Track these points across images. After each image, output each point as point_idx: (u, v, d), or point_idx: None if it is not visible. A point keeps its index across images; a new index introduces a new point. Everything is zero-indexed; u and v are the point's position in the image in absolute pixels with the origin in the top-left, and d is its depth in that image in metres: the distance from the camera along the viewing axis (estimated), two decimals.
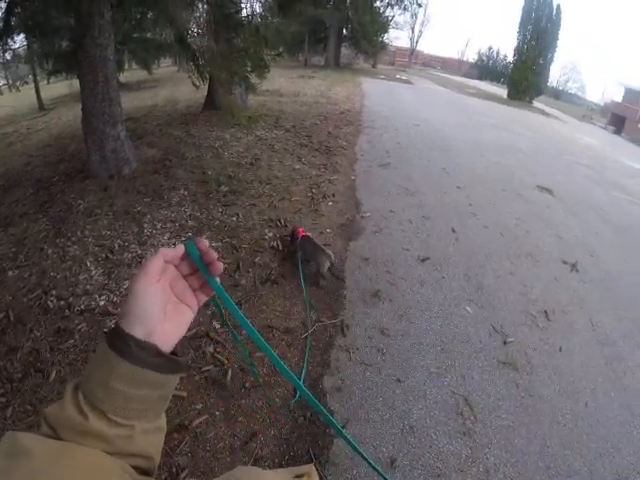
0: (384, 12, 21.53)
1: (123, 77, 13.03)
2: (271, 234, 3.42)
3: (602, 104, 39.46)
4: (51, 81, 10.82)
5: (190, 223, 3.51)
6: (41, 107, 10.39)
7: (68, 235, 3.25)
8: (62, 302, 2.53)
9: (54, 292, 2.61)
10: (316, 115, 8.10)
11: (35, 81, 10.30)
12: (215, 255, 0.49)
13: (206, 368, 2.09)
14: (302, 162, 5.24)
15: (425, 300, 2.86)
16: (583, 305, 3.19)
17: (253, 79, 5.43)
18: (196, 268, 0.50)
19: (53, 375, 2.01)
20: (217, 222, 3.54)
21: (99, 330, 2.32)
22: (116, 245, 3.15)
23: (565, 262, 3.77)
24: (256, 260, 3.04)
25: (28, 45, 6.80)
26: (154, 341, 0.45)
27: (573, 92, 45.45)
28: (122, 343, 0.43)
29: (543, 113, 18.71)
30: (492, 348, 2.55)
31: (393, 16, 22.77)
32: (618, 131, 23.51)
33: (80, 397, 0.42)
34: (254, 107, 7.98)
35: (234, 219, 3.61)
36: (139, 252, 3.08)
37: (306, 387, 0.67)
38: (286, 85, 11.78)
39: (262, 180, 4.48)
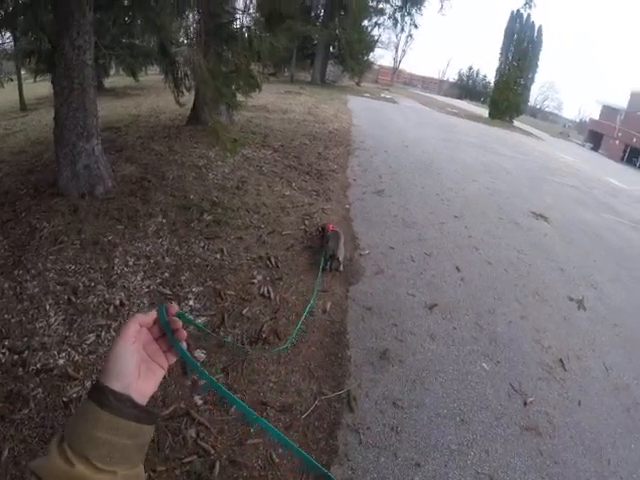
0: (371, 31, 21.73)
1: (109, 82, 12.54)
2: (260, 277, 3.01)
3: (577, 121, 41.38)
4: (38, 79, 10.23)
5: (167, 260, 3.07)
6: (23, 107, 9.72)
7: (28, 267, 2.81)
8: (15, 356, 2.11)
9: (7, 342, 2.19)
10: (305, 134, 7.81)
11: (19, 79, 9.56)
12: (180, 323, 0.54)
13: (188, 459, 1.68)
14: (292, 187, 4.88)
15: (438, 359, 2.54)
16: (595, 347, 3.08)
17: (240, 96, 5.08)
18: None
19: (5, 453, 1.60)
20: (198, 259, 3.11)
21: (57, 399, 1.89)
22: (81, 284, 2.71)
23: (571, 299, 3.66)
24: (244, 312, 2.61)
25: (14, 41, 6.33)
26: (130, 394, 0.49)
27: (550, 110, 47.04)
28: (102, 395, 0.47)
29: (524, 132, 19.14)
30: (513, 412, 2.30)
31: (380, 35, 23.06)
32: (596, 148, 24.46)
33: (66, 447, 0.44)
34: (240, 123, 7.62)
35: (218, 256, 3.19)
36: (106, 296, 2.62)
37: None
38: (273, 101, 11.47)
39: (249, 208, 4.08)
